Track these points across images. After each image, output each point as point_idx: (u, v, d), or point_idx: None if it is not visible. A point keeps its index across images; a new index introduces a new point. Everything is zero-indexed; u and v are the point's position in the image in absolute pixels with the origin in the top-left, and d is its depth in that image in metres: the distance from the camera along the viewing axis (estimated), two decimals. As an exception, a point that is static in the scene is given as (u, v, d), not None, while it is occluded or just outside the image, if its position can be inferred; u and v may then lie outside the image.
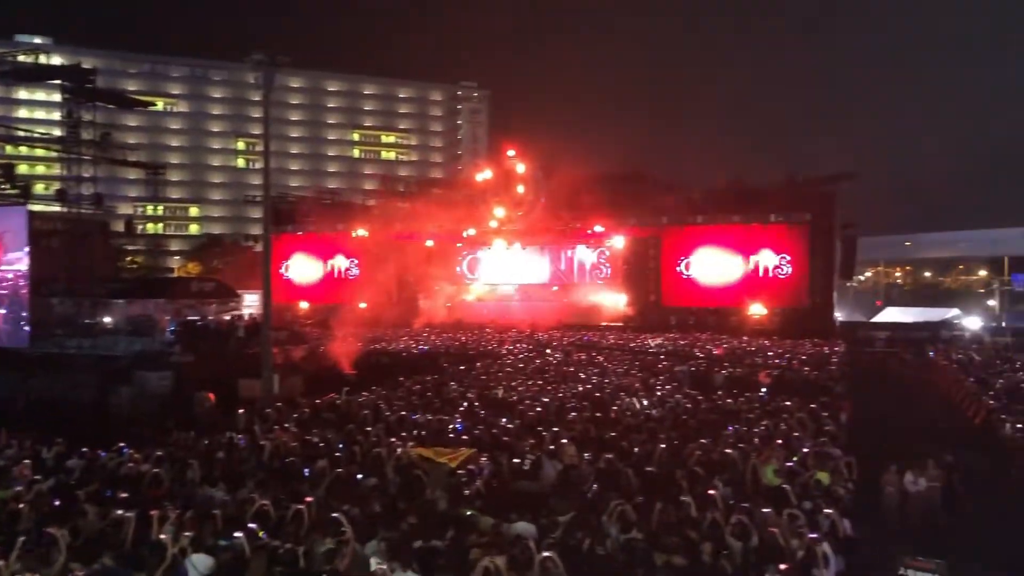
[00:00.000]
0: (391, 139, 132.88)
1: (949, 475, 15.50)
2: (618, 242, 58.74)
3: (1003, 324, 58.73)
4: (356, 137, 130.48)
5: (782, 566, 9.09)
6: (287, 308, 60.07)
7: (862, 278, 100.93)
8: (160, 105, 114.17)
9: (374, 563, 9.60)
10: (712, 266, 55.93)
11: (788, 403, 21.17)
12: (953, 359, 36.51)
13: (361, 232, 63.23)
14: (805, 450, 15.29)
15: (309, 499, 11.67)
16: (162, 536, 9.84)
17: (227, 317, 44.34)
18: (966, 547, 13.56)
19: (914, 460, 15.76)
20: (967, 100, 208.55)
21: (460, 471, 13.62)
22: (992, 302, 79.76)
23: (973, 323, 59.72)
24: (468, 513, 11.39)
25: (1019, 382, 27.50)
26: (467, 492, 12.76)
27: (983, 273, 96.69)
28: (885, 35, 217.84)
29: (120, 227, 66.85)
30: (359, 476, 13.82)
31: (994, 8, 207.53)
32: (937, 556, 10.24)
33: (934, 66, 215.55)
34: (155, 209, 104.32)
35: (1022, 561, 13.39)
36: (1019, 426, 19.09)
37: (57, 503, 12.05)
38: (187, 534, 10.02)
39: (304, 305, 64.81)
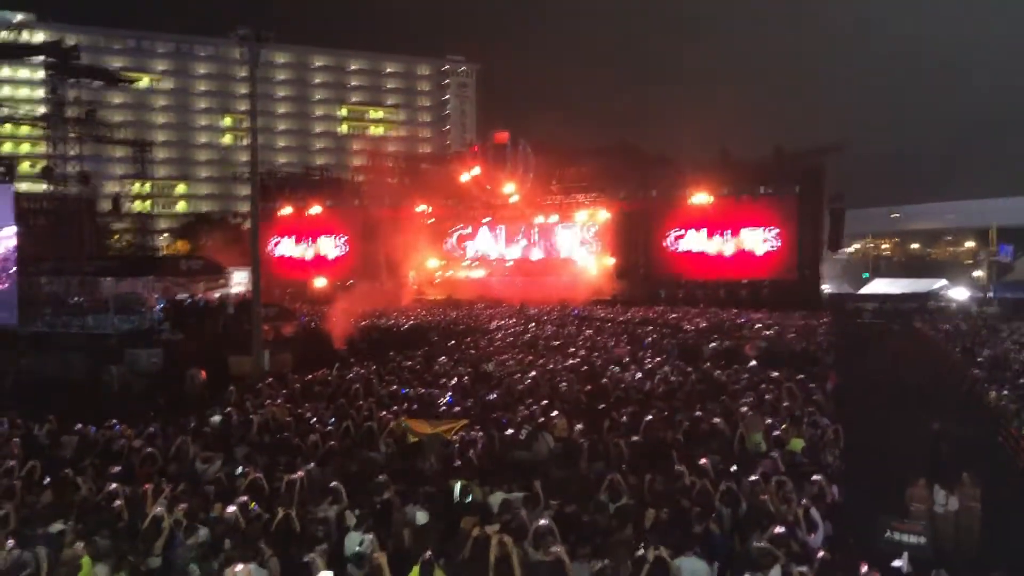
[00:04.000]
0: (379, 114, 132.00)
1: (936, 443, 15.45)
2: (607, 216, 58.74)
3: (990, 295, 58.98)
4: (343, 113, 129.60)
5: (773, 530, 9.20)
6: (277, 285, 60.03)
7: (850, 250, 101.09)
8: (145, 82, 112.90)
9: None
10: (701, 239, 56.07)
11: (775, 374, 21.30)
12: (940, 330, 36.73)
13: (349, 208, 63.19)
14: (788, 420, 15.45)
15: (301, 472, 11.75)
16: (157, 509, 9.89)
17: (216, 295, 44.16)
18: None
19: (946, 474, 13.17)
20: (955, 68, 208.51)
21: (454, 440, 13.71)
22: (979, 273, 79.97)
23: (960, 294, 60.08)
24: (461, 484, 11.46)
25: (1005, 352, 27.70)
26: (458, 464, 12.85)
27: (971, 244, 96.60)
28: (869, 5, 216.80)
29: (107, 205, 66.48)
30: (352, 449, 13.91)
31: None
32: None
33: (924, 34, 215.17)
34: (142, 187, 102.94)
35: (1005, 524, 13.55)
36: (1004, 392, 19.29)
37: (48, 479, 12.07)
38: (182, 506, 10.09)
39: (294, 281, 64.76)
